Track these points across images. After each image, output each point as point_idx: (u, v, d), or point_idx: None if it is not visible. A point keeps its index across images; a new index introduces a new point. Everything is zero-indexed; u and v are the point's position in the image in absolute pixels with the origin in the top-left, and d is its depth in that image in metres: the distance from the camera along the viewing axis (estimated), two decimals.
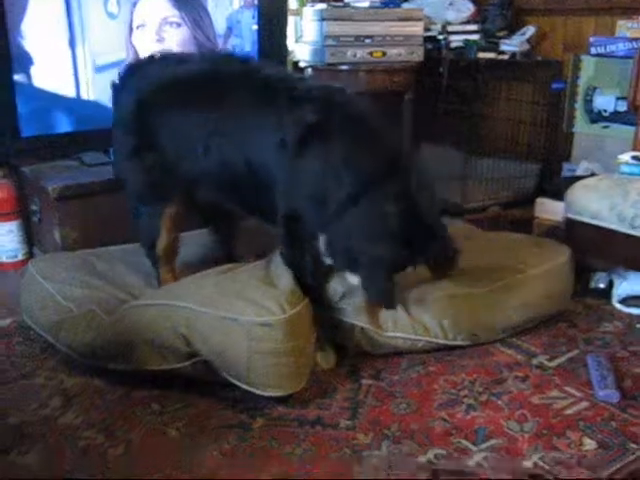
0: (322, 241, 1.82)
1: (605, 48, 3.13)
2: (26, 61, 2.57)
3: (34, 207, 2.68)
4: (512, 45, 3.48)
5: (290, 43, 3.38)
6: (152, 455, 1.57)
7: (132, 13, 2.76)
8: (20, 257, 2.72)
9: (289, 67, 3.32)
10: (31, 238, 2.77)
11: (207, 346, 1.74)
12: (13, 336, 2.13)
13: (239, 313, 1.72)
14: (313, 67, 3.24)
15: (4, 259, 2.71)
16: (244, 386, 1.73)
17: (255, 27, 3.09)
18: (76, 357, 1.93)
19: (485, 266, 2.14)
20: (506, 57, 3.48)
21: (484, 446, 1.60)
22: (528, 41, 3.53)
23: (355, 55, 3.12)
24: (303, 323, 1.78)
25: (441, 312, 1.98)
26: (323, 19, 3.09)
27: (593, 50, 3.18)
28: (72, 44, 2.65)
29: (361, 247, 1.72)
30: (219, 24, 3.00)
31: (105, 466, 1.53)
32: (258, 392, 1.72)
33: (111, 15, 2.73)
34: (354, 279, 1.82)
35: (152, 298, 1.92)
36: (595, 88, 3.20)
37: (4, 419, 1.70)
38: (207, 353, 1.75)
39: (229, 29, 3.04)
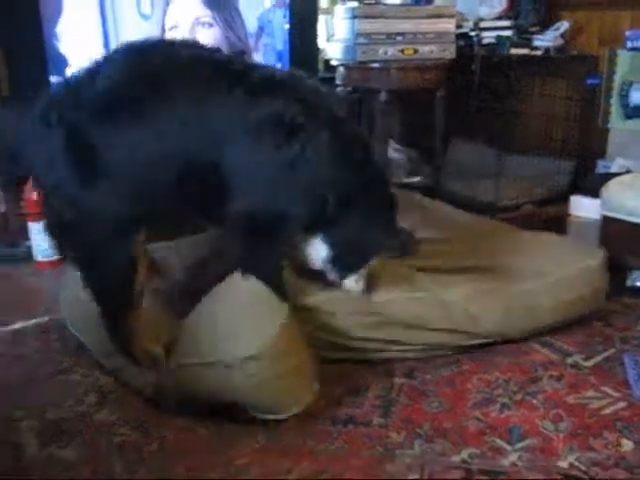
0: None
1: None
2: (61, 63, 2.61)
3: None
4: (546, 40, 3.44)
5: (321, 41, 3.38)
6: (185, 452, 1.58)
7: (165, 14, 2.79)
8: (55, 257, 2.76)
9: (320, 65, 3.33)
10: None
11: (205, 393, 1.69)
12: (50, 333, 2.17)
13: (223, 355, 1.62)
14: (344, 65, 3.23)
15: (40, 258, 2.75)
16: (261, 415, 1.67)
17: (286, 26, 3.10)
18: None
19: (516, 265, 2.12)
20: (539, 53, 3.44)
21: (519, 446, 1.58)
22: (562, 36, 3.48)
23: (386, 53, 3.11)
24: (291, 338, 1.68)
25: (469, 301, 1.96)
26: (354, 17, 3.09)
27: (629, 44, 3.13)
28: (106, 45, 2.69)
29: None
30: (250, 24, 3.02)
31: (141, 462, 1.55)
32: (273, 417, 1.67)
33: (144, 16, 2.76)
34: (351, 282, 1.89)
35: None
36: (631, 83, 3.15)
37: (42, 414, 1.73)
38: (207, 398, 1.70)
39: (260, 28, 3.06)
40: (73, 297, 2.07)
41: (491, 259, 2.09)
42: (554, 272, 2.09)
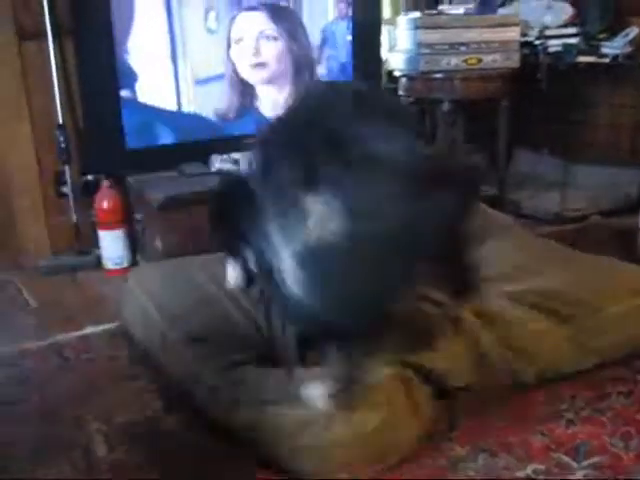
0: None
1: None
2: (131, 76, 2.70)
3: (138, 216, 2.80)
4: (614, 47, 3.36)
5: (384, 52, 3.39)
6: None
7: (230, 28, 2.85)
8: (125, 264, 2.84)
9: (384, 76, 3.34)
10: (135, 246, 2.89)
11: None
12: (118, 339, 2.23)
13: None
14: (407, 76, 3.23)
15: (110, 265, 2.84)
16: None
17: (349, 37, 3.12)
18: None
19: (565, 296, 1.94)
20: (607, 60, 3.36)
21: (586, 463, 1.54)
22: (631, 43, 3.40)
23: (449, 63, 3.10)
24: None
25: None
26: (417, 27, 3.09)
27: None
28: (174, 59, 2.76)
29: None
30: (314, 36, 3.05)
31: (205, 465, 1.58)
32: None
33: (210, 30, 2.83)
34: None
35: None
36: None
37: (111, 418, 1.78)
38: None
39: (324, 40, 3.09)
40: (138, 310, 2.13)
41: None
42: (604, 308, 1.93)
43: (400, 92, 3.27)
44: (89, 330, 2.28)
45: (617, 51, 3.36)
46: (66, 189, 2.86)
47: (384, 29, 3.37)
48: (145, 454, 1.63)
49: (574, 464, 1.54)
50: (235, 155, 2.88)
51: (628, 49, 3.39)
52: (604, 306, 1.94)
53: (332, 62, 3.14)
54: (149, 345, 2.05)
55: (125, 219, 2.84)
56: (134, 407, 1.83)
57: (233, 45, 2.86)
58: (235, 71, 2.89)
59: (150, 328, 2.05)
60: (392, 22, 3.52)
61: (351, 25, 3.11)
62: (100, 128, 2.69)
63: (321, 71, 3.11)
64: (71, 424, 1.75)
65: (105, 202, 2.80)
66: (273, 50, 2.93)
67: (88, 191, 2.86)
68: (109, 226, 2.82)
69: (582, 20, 3.49)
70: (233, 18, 2.85)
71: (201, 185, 2.71)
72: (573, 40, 3.41)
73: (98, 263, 2.86)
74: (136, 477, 1.56)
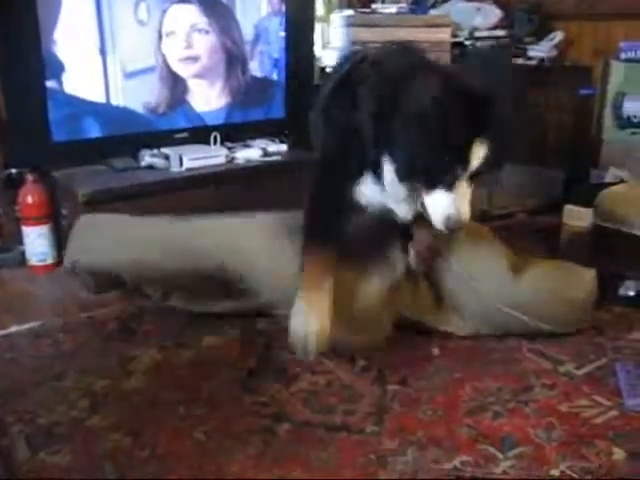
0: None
1: (635, 53, 3.10)
2: (58, 67, 2.61)
3: (64, 211, 2.72)
4: (540, 50, 3.47)
5: (317, 49, 3.39)
6: (178, 458, 1.58)
7: (161, 20, 2.79)
8: (50, 261, 2.76)
9: (317, 73, 3.34)
10: (61, 242, 2.81)
11: None
12: (43, 337, 2.16)
13: None
14: None
15: (34, 262, 2.75)
16: None
17: (282, 34, 3.11)
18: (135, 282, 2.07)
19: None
20: (534, 63, 3.46)
21: (511, 454, 1.59)
22: (556, 46, 3.51)
23: None
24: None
25: None
26: (350, 25, 3.11)
27: (623, 55, 3.15)
28: (102, 51, 2.69)
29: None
30: (247, 31, 3.03)
31: (131, 468, 1.55)
32: None
33: (141, 22, 2.77)
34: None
35: None
36: (625, 94, 3.17)
37: (34, 419, 1.73)
38: None
39: (257, 36, 3.07)
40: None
41: None
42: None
43: None
44: (13, 329, 2.21)
45: (543, 54, 3.48)
46: None
47: (317, 26, 3.37)
48: (69, 456, 1.59)
49: (500, 455, 1.58)
50: (165, 150, 2.84)
51: (553, 52, 3.51)
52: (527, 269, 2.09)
53: (265, 58, 3.12)
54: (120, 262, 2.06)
55: (50, 214, 2.76)
56: (59, 408, 1.78)
57: (164, 38, 2.81)
58: (166, 64, 2.84)
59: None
60: (325, 19, 3.53)
61: (284, 21, 3.10)
62: (24, 120, 2.59)
63: (253, 66, 3.09)
64: None
65: (29, 197, 2.71)
66: (205, 44, 2.90)
67: (12, 185, 2.76)
68: (34, 222, 2.73)
69: (510, 23, 3.59)
70: (165, 10, 2.80)
71: (130, 180, 2.66)
72: (502, 42, 3.49)
73: (22, 260, 2.77)
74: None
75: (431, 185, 1.60)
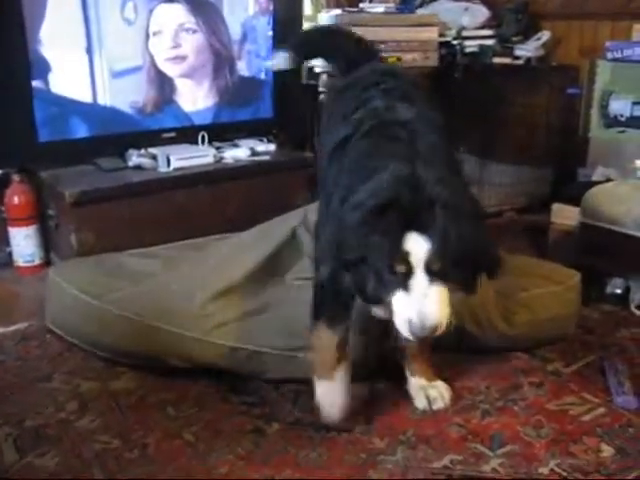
0: None
1: (622, 52, 3.11)
2: (44, 67, 2.59)
3: (51, 212, 2.71)
4: (527, 50, 3.48)
5: None
6: (167, 459, 1.58)
7: (149, 19, 2.78)
8: (37, 262, 2.74)
9: (304, 73, 3.33)
10: (48, 243, 2.79)
11: None
12: (30, 339, 2.15)
13: None
14: (327, 73, 3.24)
15: (21, 263, 2.73)
16: None
17: (270, 33, 3.11)
18: (117, 358, 1.98)
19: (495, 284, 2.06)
20: (521, 62, 3.47)
21: (500, 452, 1.59)
22: (543, 46, 3.52)
23: None
24: None
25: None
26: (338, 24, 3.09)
27: (609, 55, 3.16)
28: (89, 50, 2.67)
29: None
30: (234, 30, 3.02)
31: (120, 470, 1.54)
32: None
33: (128, 21, 2.75)
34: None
35: None
36: (611, 93, 3.18)
37: (22, 422, 1.71)
38: None
39: (244, 35, 3.06)
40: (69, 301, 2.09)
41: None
42: (529, 289, 2.13)
43: (321, 89, 3.28)
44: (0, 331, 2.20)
45: (530, 54, 3.48)
46: None
47: (305, 25, 3.37)
48: (57, 459, 1.58)
49: (489, 453, 1.59)
50: (153, 150, 2.82)
51: (540, 52, 3.51)
52: (530, 288, 2.12)
53: (252, 57, 3.11)
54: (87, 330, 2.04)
55: (37, 215, 2.74)
56: (47, 410, 1.77)
57: (151, 37, 2.79)
58: (153, 63, 2.83)
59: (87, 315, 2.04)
60: (313, 19, 3.52)
61: (272, 20, 3.09)
62: (10, 120, 2.56)
63: (241, 66, 3.08)
64: None
65: (16, 198, 2.69)
66: (192, 43, 2.88)
67: None
68: (20, 222, 2.71)
69: (497, 23, 3.60)
70: (152, 9, 2.78)
71: (118, 180, 2.65)
72: (489, 42, 3.50)
73: (9, 261, 2.75)
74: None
75: (384, 286, 1.42)
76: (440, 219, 1.36)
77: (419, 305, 1.38)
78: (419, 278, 1.38)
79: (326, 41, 2.25)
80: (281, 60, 2.68)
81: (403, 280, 1.39)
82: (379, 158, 1.49)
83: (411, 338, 1.43)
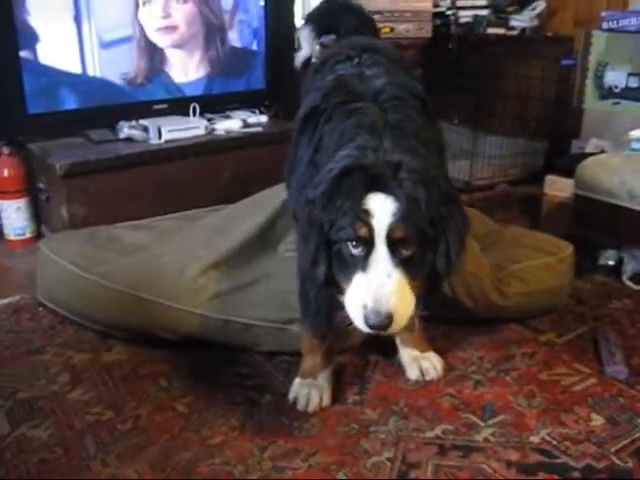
0: None
1: (617, 23, 3.09)
2: (32, 37, 2.56)
3: (41, 185, 2.68)
4: (522, 20, 3.45)
5: (298, 20, 3.34)
6: (160, 430, 1.58)
7: None
8: (28, 235, 2.72)
9: (297, 43, 3.29)
10: (39, 216, 2.77)
11: None
12: (22, 312, 2.14)
13: None
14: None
15: (12, 236, 2.71)
16: None
17: (262, 3, 3.06)
18: (108, 331, 1.98)
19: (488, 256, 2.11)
20: (515, 33, 3.44)
21: (492, 422, 1.60)
22: (538, 16, 3.49)
23: None
24: None
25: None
26: None
27: (605, 25, 3.13)
28: (78, 20, 2.63)
29: None
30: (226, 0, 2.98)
31: (113, 441, 1.55)
32: None
33: None
34: None
35: None
36: (606, 64, 3.16)
37: (14, 394, 1.71)
38: None
39: (236, 5, 3.01)
40: (60, 274, 2.08)
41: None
42: (522, 261, 2.11)
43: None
44: None
45: (525, 24, 3.46)
46: None
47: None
48: (50, 430, 1.58)
49: (481, 423, 1.60)
50: (144, 121, 2.79)
51: (535, 22, 3.49)
52: (523, 260, 2.11)
53: (244, 27, 3.07)
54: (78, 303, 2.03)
55: (28, 188, 2.71)
56: (39, 382, 1.77)
57: (141, 6, 2.75)
58: (143, 34, 2.79)
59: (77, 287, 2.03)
60: None
61: None
62: None
63: (232, 36, 3.04)
64: None
65: (5, 170, 2.66)
66: (183, 13, 2.84)
67: None
68: (10, 195, 2.68)
69: None
70: None
71: (108, 152, 2.62)
72: (483, 12, 3.47)
73: (0, 234, 2.73)
74: (41, 454, 1.51)
75: (345, 267, 1.33)
76: (405, 182, 1.31)
77: (376, 286, 1.27)
78: (380, 252, 1.28)
79: (338, 16, 2.20)
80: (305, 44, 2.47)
81: (364, 257, 1.29)
82: (348, 133, 1.42)
83: (364, 329, 1.29)
